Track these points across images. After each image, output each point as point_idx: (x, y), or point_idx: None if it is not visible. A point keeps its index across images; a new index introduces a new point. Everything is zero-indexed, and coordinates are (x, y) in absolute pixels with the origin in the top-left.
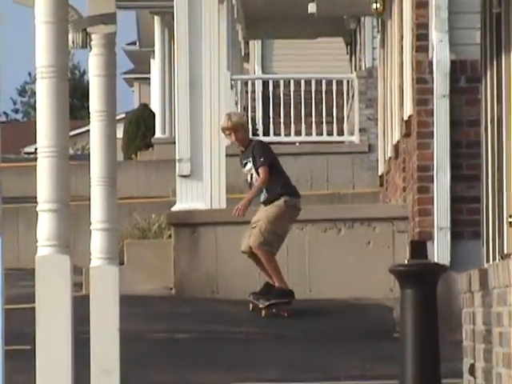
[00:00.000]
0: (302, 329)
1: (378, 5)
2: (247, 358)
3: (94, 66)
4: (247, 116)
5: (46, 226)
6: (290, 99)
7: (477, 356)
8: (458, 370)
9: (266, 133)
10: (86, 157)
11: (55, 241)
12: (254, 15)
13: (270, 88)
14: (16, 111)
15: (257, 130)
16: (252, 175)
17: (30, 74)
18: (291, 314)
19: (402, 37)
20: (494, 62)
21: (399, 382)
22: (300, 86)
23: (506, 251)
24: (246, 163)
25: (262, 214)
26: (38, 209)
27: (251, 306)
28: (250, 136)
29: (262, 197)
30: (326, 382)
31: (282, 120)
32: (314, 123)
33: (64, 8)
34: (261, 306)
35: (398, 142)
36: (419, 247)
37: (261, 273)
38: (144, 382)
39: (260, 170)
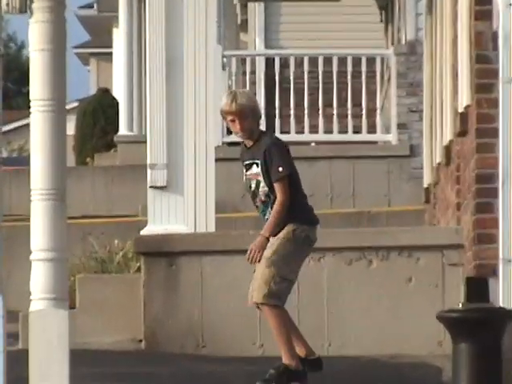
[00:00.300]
0: None
1: None
2: None
3: (36, 37)
4: None
5: None
6: (304, 84)
7: None
8: None
9: (270, 124)
10: (24, 161)
11: None
12: None
13: (276, 68)
14: None
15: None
16: (259, 183)
17: None
18: None
19: (455, 1)
20: None
21: None
22: (317, 66)
23: None
24: (252, 165)
25: (264, 254)
26: None
27: None
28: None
29: (268, 217)
30: None
31: (292, 112)
32: (335, 116)
33: None
34: None
35: (451, 142)
36: (478, 286)
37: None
38: None
39: (278, 187)
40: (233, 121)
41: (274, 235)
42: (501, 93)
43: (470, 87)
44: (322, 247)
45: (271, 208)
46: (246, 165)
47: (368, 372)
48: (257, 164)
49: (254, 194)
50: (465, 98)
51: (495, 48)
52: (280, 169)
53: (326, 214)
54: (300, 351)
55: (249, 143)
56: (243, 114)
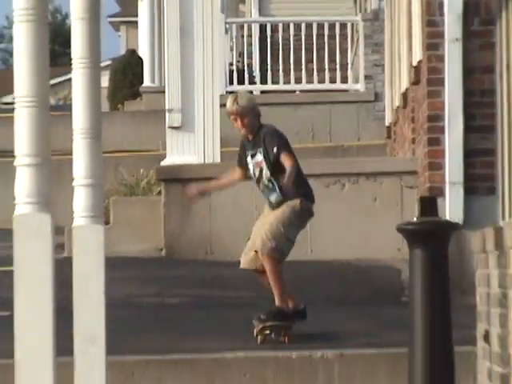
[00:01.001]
0: (302, 293)
1: None
2: (243, 325)
3: (76, 7)
4: (243, 63)
5: (24, 181)
6: (290, 44)
7: (492, 321)
8: (472, 336)
9: (264, 81)
10: (68, 107)
11: (35, 198)
12: None
13: (268, 32)
14: None
15: (254, 77)
16: (262, 170)
17: (7, 18)
18: (292, 341)
19: None
20: (511, 2)
21: (408, 349)
22: (300, 30)
23: None
24: (256, 154)
25: (271, 217)
26: (15, 163)
27: (260, 338)
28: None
29: (274, 197)
30: (329, 350)
31: (280, 67)
32: (315, 70)
33: None
34: (255, 329)
35: (407, 89)
36: (429, 204)
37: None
38: (132, 350)
39: (284, 156)
40: (235, 119)
41: (282, 203)
42: (446, 50)
43: (422, 46)
44: (306, 174)
45: (274, 191)
46: (252, 155)
47: (342, 272)
48: (260, 151)
49: (258, 180)
50: (418, 55)
51: (441, 14)
52: (279, 146)
53: (309, 148)
54: (289, 303)
55: (250, 137)
56: (243, 113)
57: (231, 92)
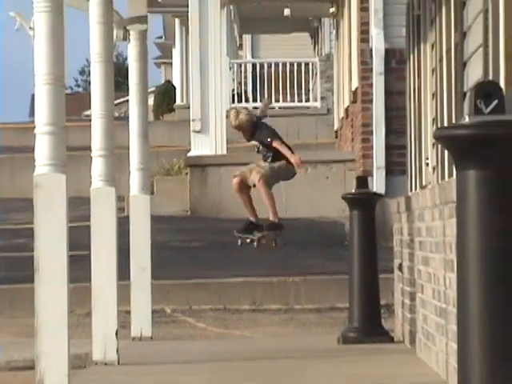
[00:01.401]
0: (280, 238)
1: (334, 9)
2: (241, 260)
3: (132, 53)
4: (241, 89)
5: (98, 166)
6: (272, 76)
7: (403, 257)
8: (390, 267)
9: (255, 99)
10: (126, 119)
11: (105, 177)
12: (246, 17)
13: (258, 68)
14: (78, 86)
15: (248, 98)
16: (259, 147)
17: (87, 60)
18: (279, 245)
19: (350, 32)
20: (415, 50)
21: (348, 275)
22: (278, 67)
23: (423, 183)
24: (254, 140)
25: (266, 164)
26: (92, 154)
27: (239, 241)
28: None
29: (270, 157)
30: (298, 277)
31: (266, 91)
32: (288, 93)
33: (110, 12)
34: (254, 237)
35: (348, 106)
36: (363, 181)
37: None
38: (168, 277)
39: (275, 144)
40: (238, 130)
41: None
42: (374, 80)
43: (358, 78)
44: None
45: (268, 158)
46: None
47: (306, 225)
48: (257, 139)
49: (259, 152)
50: (355, 83)
51: (371, 57)
52: (270, 138)
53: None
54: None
55: (249, 138)
56: (243, 126)
57: (234, 108)
